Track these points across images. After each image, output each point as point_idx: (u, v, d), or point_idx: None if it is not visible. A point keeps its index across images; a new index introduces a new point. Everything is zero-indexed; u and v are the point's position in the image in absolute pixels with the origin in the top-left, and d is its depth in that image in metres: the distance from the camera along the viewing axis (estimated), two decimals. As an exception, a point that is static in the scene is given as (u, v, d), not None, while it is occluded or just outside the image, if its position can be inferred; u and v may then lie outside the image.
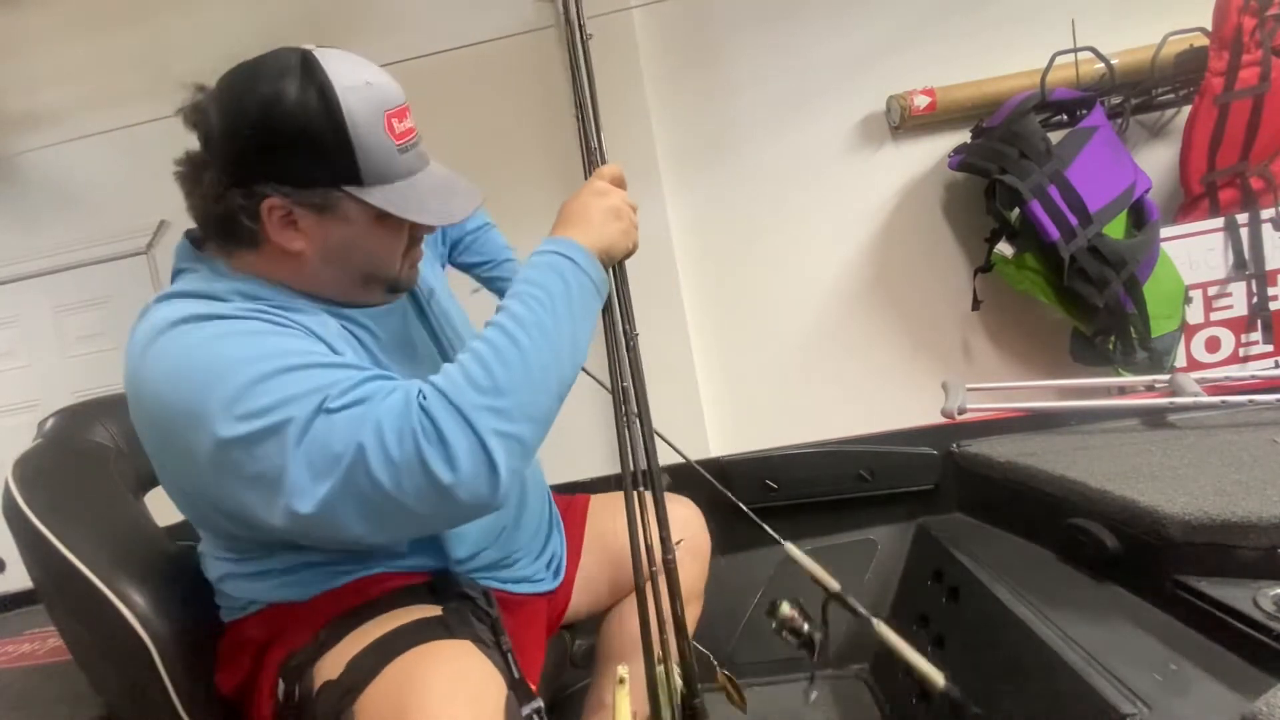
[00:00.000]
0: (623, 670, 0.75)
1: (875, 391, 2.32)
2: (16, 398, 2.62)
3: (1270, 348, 1.99)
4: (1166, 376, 1.30)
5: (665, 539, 0.78)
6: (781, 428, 1.74)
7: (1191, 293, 1.99)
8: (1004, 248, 2.02)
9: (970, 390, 1.33)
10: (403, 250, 0.77)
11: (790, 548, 1.00)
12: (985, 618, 0.98)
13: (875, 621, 0.96)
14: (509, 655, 0.73)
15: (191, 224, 0.75)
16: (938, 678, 0.96)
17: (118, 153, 2.41)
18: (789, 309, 2.36)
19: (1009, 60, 2.12)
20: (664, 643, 0.75)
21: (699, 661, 0.78)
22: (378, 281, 0.77)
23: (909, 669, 0.84)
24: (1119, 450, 1.11)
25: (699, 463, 1.14)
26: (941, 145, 2.23)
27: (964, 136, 2.18)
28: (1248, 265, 1.97)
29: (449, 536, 0.80)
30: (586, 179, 0.83)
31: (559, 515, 1.04)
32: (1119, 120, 2.03)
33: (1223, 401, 1.18)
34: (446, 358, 0.84)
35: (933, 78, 2.16)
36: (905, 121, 2.19)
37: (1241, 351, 2.01)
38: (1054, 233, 1.86)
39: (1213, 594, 0.76)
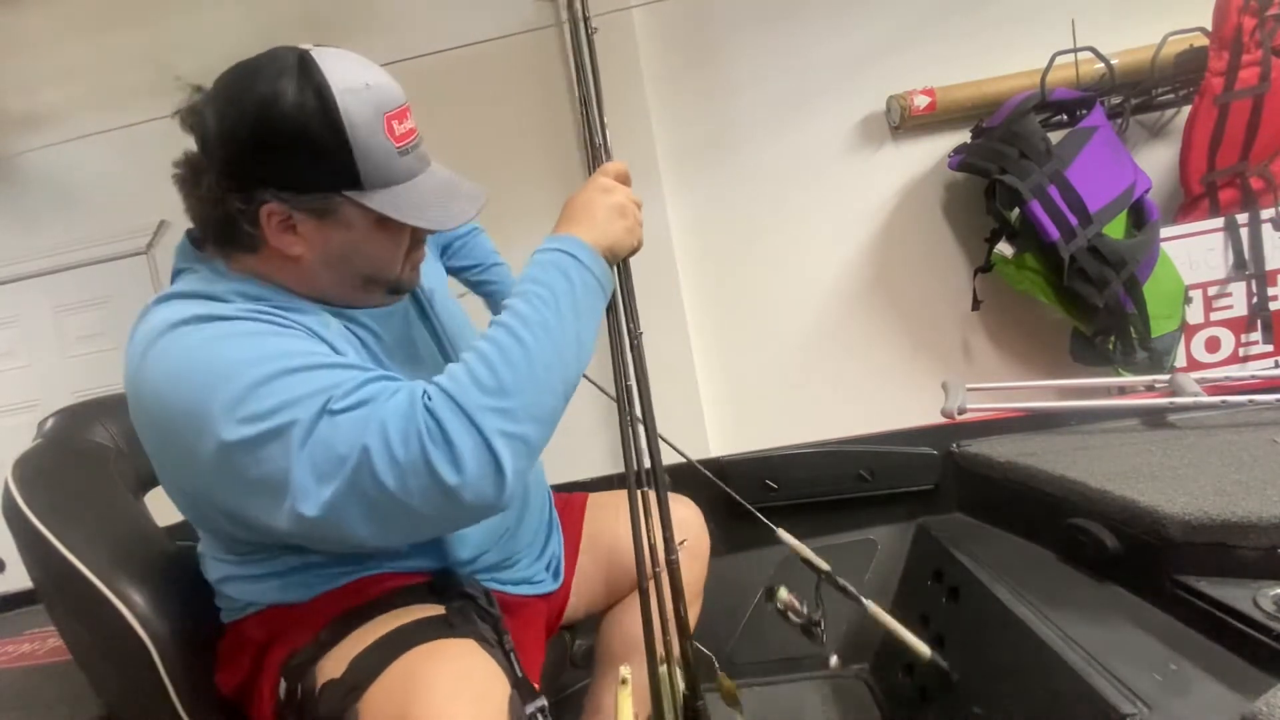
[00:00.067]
0: (625, 671, 0.75)
1: (875, 391, 2.32)
2: (16, 398, 2.62)
3: (1270, 348, 1.99)
4: (1166, 376, 1.30)
5: (668, 540, 0.78)
6: (781, 428, 1.75)
7: (1191, 293, 1.99)
8: (1004, 248, 2.02)
9: (970, 390, 1.32)
10: (404, 253, 0.76)
11: (782, 533, 1.00)
12: (985, 618, 0.98)
13: (864, 601, 0.98)
14: (512, 654, 0.72)
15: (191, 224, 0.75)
16: (923, 649, 0.98)
17: (117, 153, 2.40)
18: (789, 309, 2.36)
19: (1009, 60, 2.13)
20: (666, 644, 0.75)
21: (700, 662, 0.78)
22: (379, 284, 0.76)
23: (909, 667, 0.84)
24: (1119, 450, 1.11)
25: (699, 463, 1.14)
26: (941, 145, 2.23)
27: (964, 136, 2.18)
28: (1248, 265, 1.97)
29: (451, 538, 0.80)
30: (590, 175, 0.81)
31: (558, 516, 1.03)
32: (1119, 120, 2.03)
33: (1223, 401, 1.18)
34: (449, 359, 0.84)
35: (933, 78, 2.16)
36: (905, 121, 2.19)
37: (1241, 351, 2.01)
38: (1054, 233, 1.86)
39: (1213, 594, 0.76)
